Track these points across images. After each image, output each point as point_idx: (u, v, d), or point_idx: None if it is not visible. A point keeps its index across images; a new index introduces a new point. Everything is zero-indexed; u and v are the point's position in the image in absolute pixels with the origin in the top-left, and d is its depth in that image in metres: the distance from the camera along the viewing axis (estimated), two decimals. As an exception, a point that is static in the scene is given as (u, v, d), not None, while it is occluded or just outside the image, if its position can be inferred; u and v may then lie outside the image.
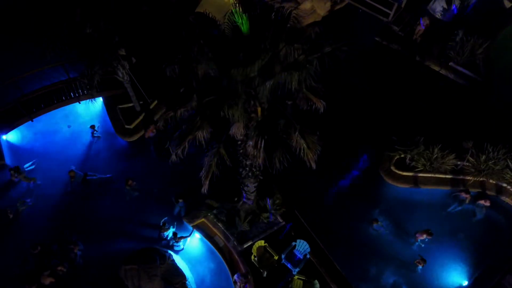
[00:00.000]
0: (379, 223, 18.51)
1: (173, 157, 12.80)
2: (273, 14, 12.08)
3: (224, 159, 13.50)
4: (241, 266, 17.36)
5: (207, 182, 13.30)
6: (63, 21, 17.67)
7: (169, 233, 18.48)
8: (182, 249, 18.32)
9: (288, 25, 12.11)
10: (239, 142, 14.60)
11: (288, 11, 12.09)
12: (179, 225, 18.69)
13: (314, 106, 13.41)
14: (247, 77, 11.88)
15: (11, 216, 18.54)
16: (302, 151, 12.77)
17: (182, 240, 18.23)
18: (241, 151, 14.95)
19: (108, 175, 20.05)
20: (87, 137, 21.26)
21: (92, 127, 21.16)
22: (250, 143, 12.57)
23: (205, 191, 13.37)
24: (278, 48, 11.78)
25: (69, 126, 21.53)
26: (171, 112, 12.08)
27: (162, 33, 21.59)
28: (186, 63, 11.89)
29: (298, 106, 13.65)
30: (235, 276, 16.79)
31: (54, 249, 17.78)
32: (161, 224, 18.60)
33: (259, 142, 12.15)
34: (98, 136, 21.25)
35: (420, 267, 17.51)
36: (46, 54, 17.79)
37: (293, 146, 12.86)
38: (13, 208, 18.68)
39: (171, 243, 18.35)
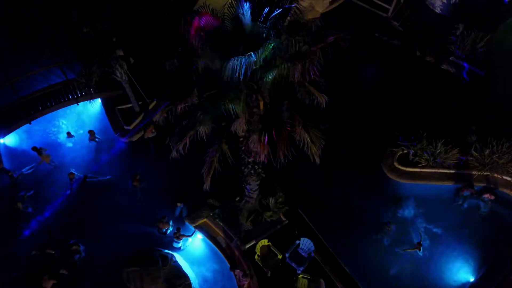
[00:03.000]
0: (389, 227, 18.28)
1: (174, 153, 12.60)
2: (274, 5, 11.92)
3: (226, 156, 13.31)
4: (243, 262, 17.17)
5: (209, 179, 13.09)
6: (60, 21, 17.48)
7: (168, 228, 18.29)
8: (180, 247, 18.07)
9: (289, 16, 11.94)
10: (241, 139, 14.40)
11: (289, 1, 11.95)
12: (181, 226, 18.43)
13: (316, 101, 13.22)
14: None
15: (19, 206, 18.46)
16: (306, 145, 12.57)
17: (183, 239, 17.97)
18: (243, 148, 14.76)
19: (108, 177, 19.84)
20: (86, 139, 20.98)
21: (91, 133, 20.89)
22: (254, 137, 12.35)
23: (207, 188, 13.17)
24: (280, 39, 11.60)
25: (68, 133, 21.27)
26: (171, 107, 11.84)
27: (160, 31, 21.41)
28: (186, 57, 11.70)
29: (296, 104, 13.45)
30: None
31: (55, 253, 17.55)
32: (159, 217, 18.39)
33: (263, 136, 11.94)
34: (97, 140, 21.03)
35: (419, 252, 17.49)
36: (44, 55, 17.61)
37: (297, 141, 12.66)
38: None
39: (170, 239, 18.08)
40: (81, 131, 21.24)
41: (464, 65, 21.96)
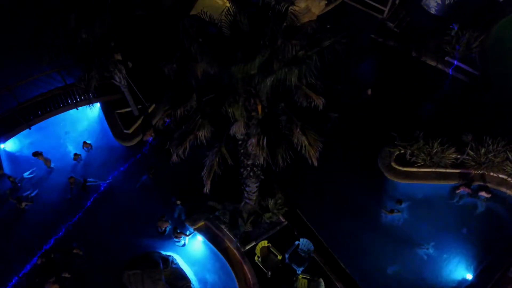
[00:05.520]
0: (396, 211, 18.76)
1: (174, 157, 12.72)
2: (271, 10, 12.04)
3: (225, 159, 13.43)
4: (248, 275, 17.27)
5: (209, 182, 13.21)
6: (58, 26, 17.59)
7: (168, 227, 18.51)
8: (184, 244, 18.25)
9: (286, 21, 12.07)
10: (240, 142, 14.54)
11: (284, 7, 12.07)
12: (181, 228, 18.57)
13: (313, 103, 13.35)
14: (247, 74, 11.84)
15: (23, 205, 18.77)
16: (303, 148, 12.71)
17: (182, 237, 18.14)
18: (242, 151, 14.88)
19: (107, 181, 19.96)
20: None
21: (86, 144, 20.98)
22: (252, 140, 12.49)
23: (207, 191, 13.28)
24: (277, 44, 11.73)
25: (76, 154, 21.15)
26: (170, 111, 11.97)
27: (158, 35, 21.54)
28: (184, 62, 11.83)
29: (293, 107, 13.59)
30: None
31: (57, 256, 17.68)
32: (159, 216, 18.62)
33: (261, 139, 12.07)
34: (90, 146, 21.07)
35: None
36: (43, 61, 17.70)
37: (295, 144, 12.79)
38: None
39: (170, 239, 18.23)
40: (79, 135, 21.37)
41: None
